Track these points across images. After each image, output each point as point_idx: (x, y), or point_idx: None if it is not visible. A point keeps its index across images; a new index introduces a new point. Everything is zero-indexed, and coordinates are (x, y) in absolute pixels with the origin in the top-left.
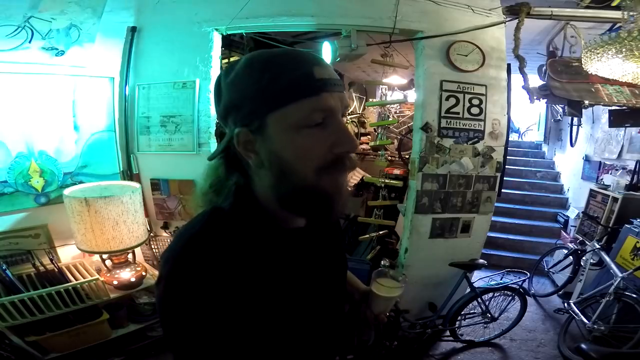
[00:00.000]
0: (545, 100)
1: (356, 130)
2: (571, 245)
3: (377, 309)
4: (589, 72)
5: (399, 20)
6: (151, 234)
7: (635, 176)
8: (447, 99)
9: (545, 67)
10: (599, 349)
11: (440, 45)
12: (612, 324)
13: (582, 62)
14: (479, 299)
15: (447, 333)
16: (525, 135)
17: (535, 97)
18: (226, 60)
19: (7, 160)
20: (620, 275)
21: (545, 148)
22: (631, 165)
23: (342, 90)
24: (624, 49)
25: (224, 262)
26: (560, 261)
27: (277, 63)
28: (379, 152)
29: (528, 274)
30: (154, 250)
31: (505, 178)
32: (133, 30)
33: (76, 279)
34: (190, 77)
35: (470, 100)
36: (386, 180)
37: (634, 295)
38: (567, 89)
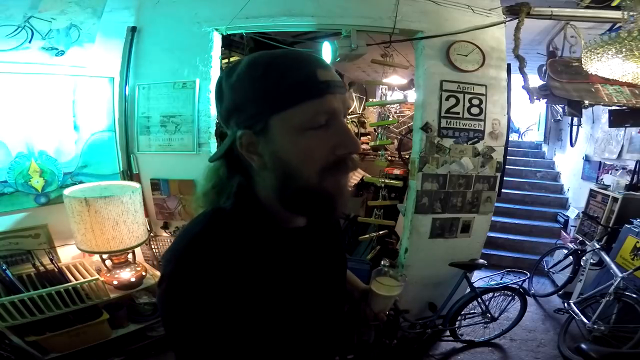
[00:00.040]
0: (545, 100)
1: (356, 130)
2: (571, 245)
3: (377, 307)
4: (589, 72)
5: (399, 20)
6: (151, 234)
7: (635, 176)
8: (447, 99)
9: (545, 67)
10: (599, 349)
11: (440, 45)
12: (612, 324)
13: (582, 62)
14: (479, 299)
15: (447, 333)
16: (525, 135)
17: (535, 97)
18: (226, 60)
19: (7, 160)
20: (620, 275)
21: (545, 148)
22: (631, 165)
23: (344, 92)
24: (624, 49)
25: (226, 262)
26: (560, 261)
27: (280, 65)
28: (379, 152)
29: (528, 274)
30: (154, 250)
31: (505, 178)
32: (133, 30)
33: (76, 279)
34: (190, 77)
35: (470, 100)
36: (386, 180)
37: (634, 295)
38: (567, 89)
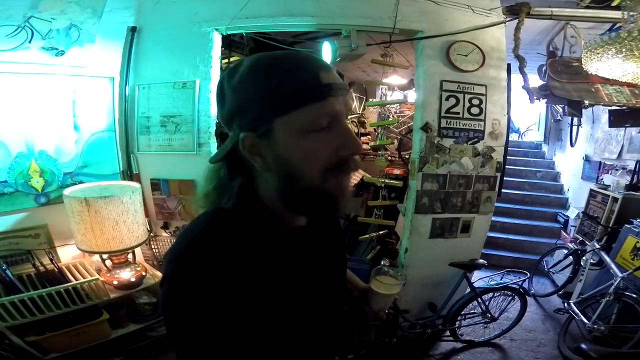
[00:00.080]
0: (545, 100)
1: (356, 130)
2: (571, 245)
3: (377, 306)
4: (589, 72)
5: (399, 20)
6: (151, 234)
7: (635, 176)
8: (447, 99)
9: (545, 67)
10: (599, 349)
11: (440, 45)
12: (612, 324)
13: (582, 62)
14: (479, 299)
15: (447, 333)
16: (525, 135)
17: (535, 97)
18: (226, 60)
19: (7, 160)
20: (620, 275)
21: (545, 148)
22: (631, 165)
23: (345, 93)
24: (624, 49)
25: (228, 261)
26: (560, 261)
27: (283, 67)
28: (379, 152)
29: (528, 274)
30: (154, 250)
31: (505, 178)
32: (133, 30)
33: (76, 279)
34: (190, 77)
35: (470, 100)
36: (386, 180)
37: (634, 295)
38: (567, 89)
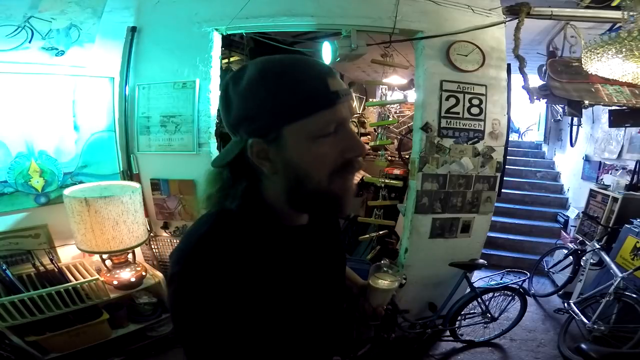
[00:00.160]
0: (545, 100)
1: (356, 130)
2: (571, 245)
3: (375, 302)
4: (589, 72)
5: (399, 20)
6: (151, 234)
7: (635, 176)
8: (447, 99)
9: (545, 67)
10: (599, 349)
11: (440, 45)
12: (612, 324)
13: (582, 62)
14: (479, 299)
15: (447, 333)
16: (525, 135)
17: (535, 97)
18: (226, 60)
19: (7, 160)
20: (620, 275)
21: (545, 148)
22: (631, 165)
23: (350, 98)
24: (624, 49)
25: (233, 260)
26: (560, 261)
27: (293, 76)
28: (379, 152)
29: (528, 274)
30: (154, 250)
31: (505, 178)
32: (133, 30)
33: (76, 279)
34: (190, 77)
35: (470, 100)
36: (386, 180)
37: (634, 295)
38: (567, 89)
